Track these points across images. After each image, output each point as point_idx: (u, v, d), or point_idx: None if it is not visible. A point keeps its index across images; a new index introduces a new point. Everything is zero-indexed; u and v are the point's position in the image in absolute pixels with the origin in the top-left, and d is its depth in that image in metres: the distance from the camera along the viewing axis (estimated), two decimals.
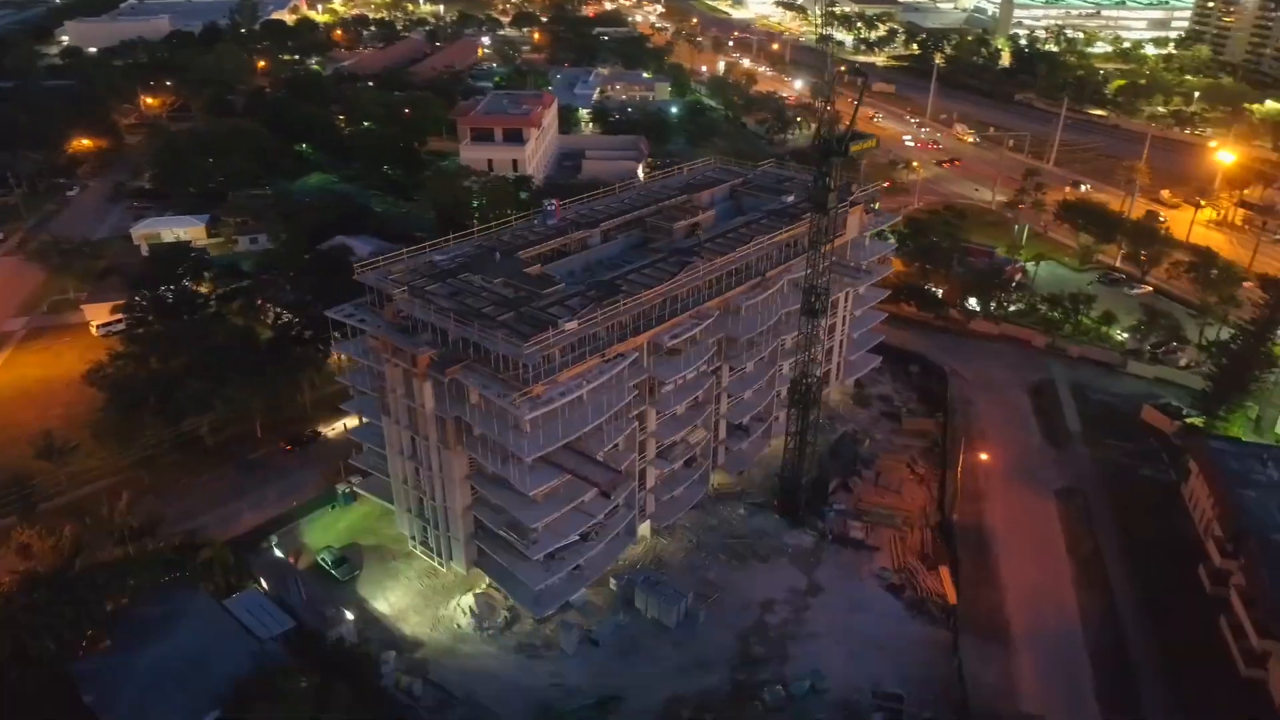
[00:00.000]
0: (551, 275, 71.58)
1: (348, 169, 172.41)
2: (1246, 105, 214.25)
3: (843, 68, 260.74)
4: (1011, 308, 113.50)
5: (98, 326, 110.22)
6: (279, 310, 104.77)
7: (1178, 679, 64.47)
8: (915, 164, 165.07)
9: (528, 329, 60.31)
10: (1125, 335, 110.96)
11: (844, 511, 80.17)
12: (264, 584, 70.20)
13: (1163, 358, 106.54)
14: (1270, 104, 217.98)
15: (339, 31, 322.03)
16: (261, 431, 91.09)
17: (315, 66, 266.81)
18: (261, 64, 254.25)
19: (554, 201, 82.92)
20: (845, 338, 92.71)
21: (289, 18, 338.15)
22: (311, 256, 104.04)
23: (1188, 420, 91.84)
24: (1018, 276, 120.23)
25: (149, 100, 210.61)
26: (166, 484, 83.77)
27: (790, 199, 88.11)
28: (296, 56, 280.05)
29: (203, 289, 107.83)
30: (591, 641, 66.14)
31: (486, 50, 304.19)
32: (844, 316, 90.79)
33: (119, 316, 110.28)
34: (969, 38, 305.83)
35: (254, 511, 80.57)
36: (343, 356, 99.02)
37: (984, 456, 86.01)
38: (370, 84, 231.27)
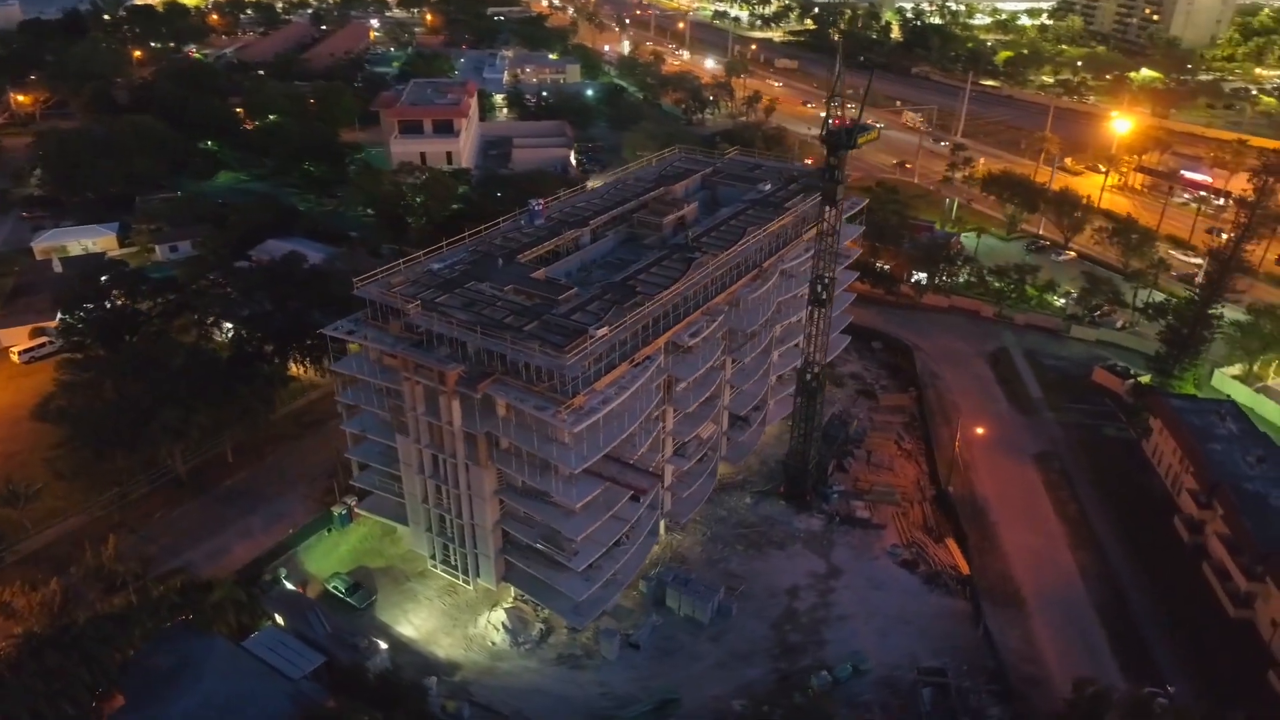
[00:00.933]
0: (559, 280, 70.39)
1: (258, 166, 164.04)
2: (1128, 74, 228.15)
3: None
4: (961, 279, 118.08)
5: (20, 353, 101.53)
6: (230, 325, 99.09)
7: (1178, 627, 69.24)
8: None
9: (559, 338, 59.14)
10: (1063, 301, 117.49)
11: (845, 492, 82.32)
12: (279, 619, 66.80)
13: (1099, 320, 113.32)
14: (1145, 72, 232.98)
15: (214, 16, 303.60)
16: (232, 456, 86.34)
17: (197, 55, 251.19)
18: (137, 54, 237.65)
19: (540, 201, 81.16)
20: None
21: (155, 1, 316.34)
22: (265, 266, 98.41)
23: (1136, 380, 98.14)
24: (958, 249, 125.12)
25: (20, 97, 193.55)
26: (141, 521, 78.51)
27: (767, 187, 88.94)
28: (172, 44, 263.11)
29: (141, 305, 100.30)
30: (631, 645, 65.93)
31: (377, 34, 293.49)
32: None
33: (45, 340, 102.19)
34: (859, 11, 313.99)
35: (244, 543, 76.39)
36: (310, 370, 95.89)
37: (964, 427, 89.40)
38: (260, 73, 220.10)
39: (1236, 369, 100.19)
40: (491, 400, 60.55)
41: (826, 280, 72.12)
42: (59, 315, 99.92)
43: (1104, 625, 69.37)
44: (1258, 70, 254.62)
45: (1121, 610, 70.83)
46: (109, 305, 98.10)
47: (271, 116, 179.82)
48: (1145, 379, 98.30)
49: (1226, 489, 73.60)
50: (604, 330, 59.90)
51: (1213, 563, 73.41)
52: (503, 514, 65.79)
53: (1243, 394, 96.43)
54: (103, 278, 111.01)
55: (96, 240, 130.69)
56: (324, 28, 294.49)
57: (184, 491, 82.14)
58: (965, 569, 73.51)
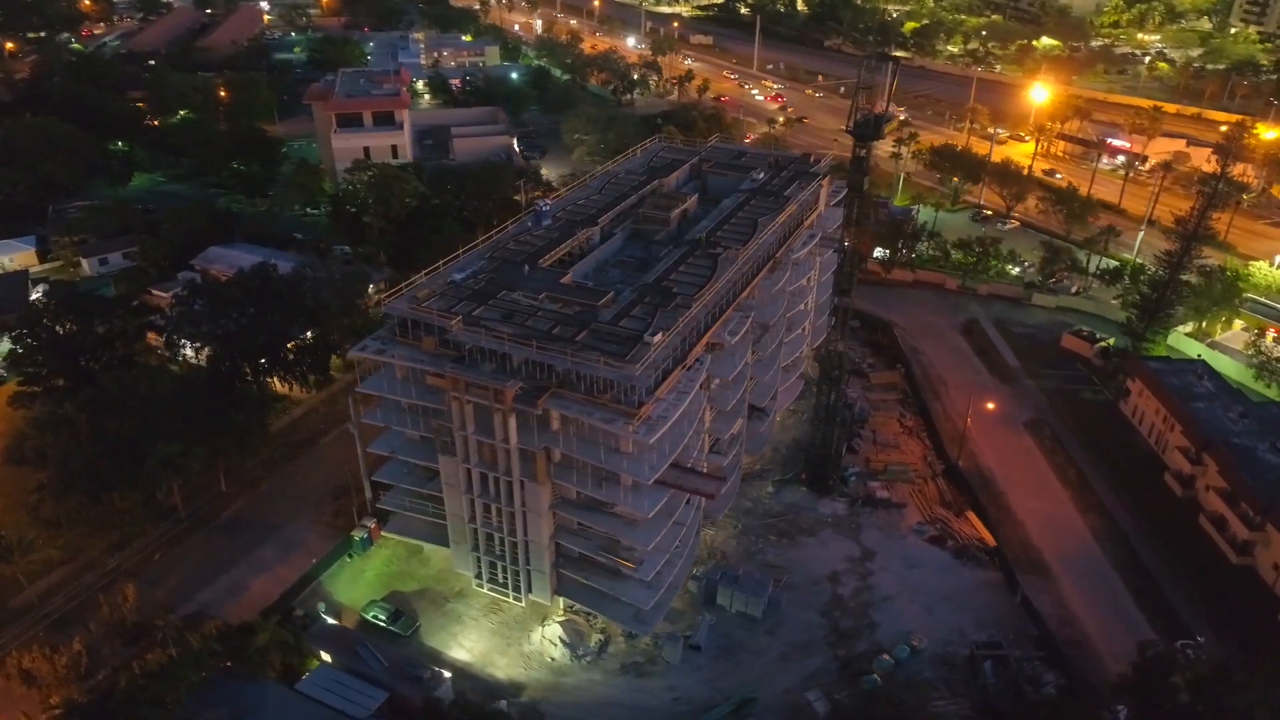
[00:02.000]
0: (585, 284, 68.86)
1: (174, 166, 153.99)
2: (1033, 42, 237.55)
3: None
4: (925, 254, 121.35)
5: None
6: (190, 344, 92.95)
7: (1188, 578, 73.76)
8: (781, 119, 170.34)
9: (616, 347, 57.98)
10: (1018, 270, 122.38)
11: (860, 474, 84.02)
12: (325, 657, 63.76)
13: (1054, 287, 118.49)
14: (1046, 40, 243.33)
15: (87, 1, 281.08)
16: (226, 484, 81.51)
17: (76, 46, 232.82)
18: (10, 45, 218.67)
19: (547, 201, 79.04)
20: (814, 304, 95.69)
21: None
22: (235, 279, 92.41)
23: (1103, 344, 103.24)
24: (918, 224, 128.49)
25: None
26: (141, 565, 73.49)
27: (761, 175, 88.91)
28: (44, 34, 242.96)
29: (97, 328, 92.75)
30: (693, 647, 65.85)
31: (270, 17, 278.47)
32: (815, 285, 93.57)
33: None
34: None
35: (260, 577, 72.68)
36: (295, 388, 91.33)
37: (971, 401, 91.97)
38: (152, 63, 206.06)
39: (1189, 327, 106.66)
40: (546, 414, 58.97)
41: (849, 270, 72.88)
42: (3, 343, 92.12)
43: (1126, 583, 73.21)
44: (1140, 35, 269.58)
45: (1137, 566, 74.88)
46: (60, 330, 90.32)
47: (182, 112, 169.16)
48: (1110, 342, 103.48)
49: (1219, 445, 78.46)
50: (659, 336, 58.96)
51: (1209, 515, 78.31)
52: (556, 527, 64.40)
53: (1199, 351, 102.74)
54: (35, 298, 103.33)
55: (14, 256, 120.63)
56: (209, 11, 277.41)
57: (181, 528, 77.26)
58: (991, 541, 76.20)
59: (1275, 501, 72.26)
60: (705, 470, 70.46)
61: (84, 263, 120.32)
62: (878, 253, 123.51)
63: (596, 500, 61.23)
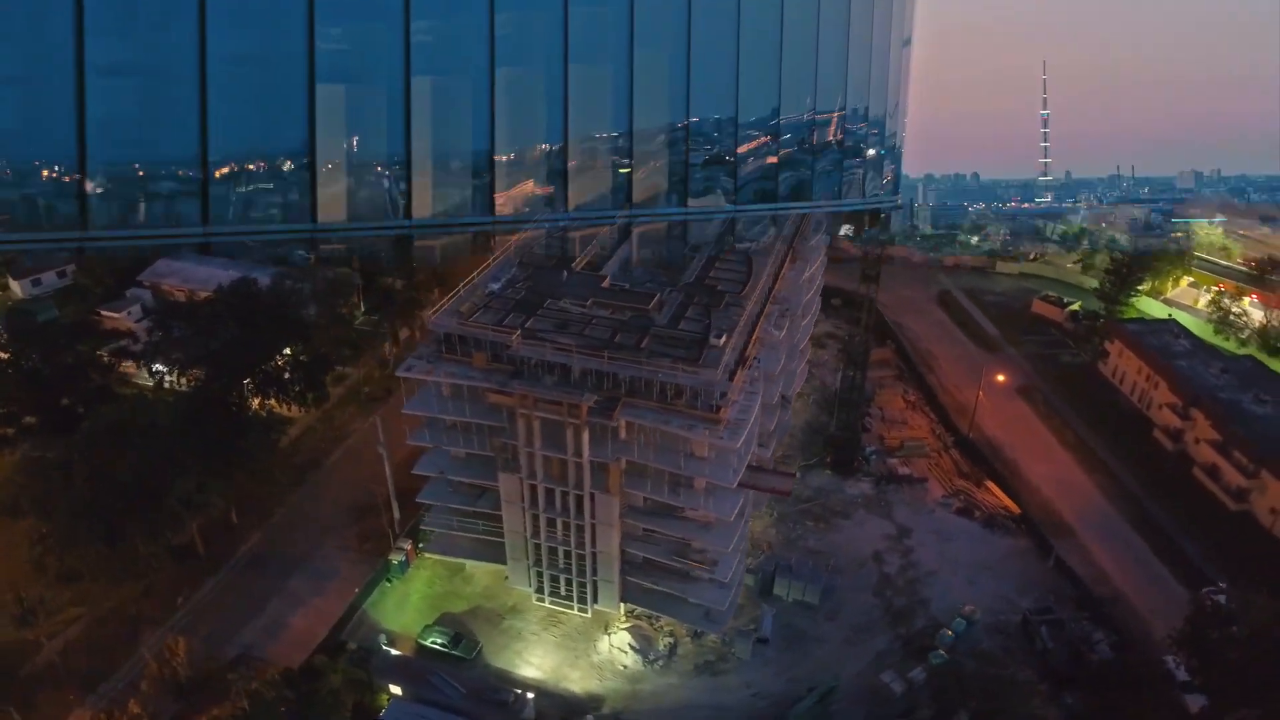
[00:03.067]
0: (624, 285, 67.74)
1: None
2: None
3: None
4: (895, 230, 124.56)
5: None
6: (181, 372, 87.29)
7: (1193, 527, 78.67)
8: None
9: (682, 352, 57.50)
10: (977, 239, 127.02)
11: (878, 451, 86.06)
12: (395, 690, 61.53)
13: (1012, 253, 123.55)
14: None
15: None
16: (237, 517, 77.24)
17: None
18: None
19: None
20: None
21: None
22: (216, 297, 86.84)
23: (1071, 308, 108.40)
24: None
25: None
26: (162, 611, 69.03)
27: None
28: None
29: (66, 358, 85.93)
30: (761, 641, 66.46)
31: None
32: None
33: None
34: None
35: (298, 612, 69.43)
36: (292, 407, 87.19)
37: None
38: None
39: (1145, 287, 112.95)
40: (616, 425, 58.05)
41: (875, 255, 74.15)
42: None
43: (1143, 537, 77.56)
44: None
45: (1147, 520, 79.38)
46: (23, 362, 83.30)
47: None
48: (1077, 306, 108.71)
49: (1208, 400, 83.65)
50: (725, 338, 58.71)
51: (1202, 466, 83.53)
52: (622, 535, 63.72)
53: (1158, 309, 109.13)
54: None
55: None
56: None
57: (198, 568, 72.89)
58: (1015, 508, 79.33)
59: (1268, 449, 77.67)
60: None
61: (14, 284, 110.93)
62: (844, 230, 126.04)
63: (666, 505, 60.86)
